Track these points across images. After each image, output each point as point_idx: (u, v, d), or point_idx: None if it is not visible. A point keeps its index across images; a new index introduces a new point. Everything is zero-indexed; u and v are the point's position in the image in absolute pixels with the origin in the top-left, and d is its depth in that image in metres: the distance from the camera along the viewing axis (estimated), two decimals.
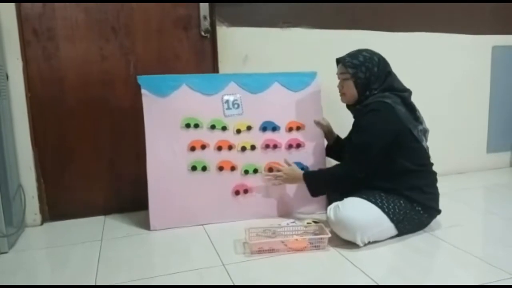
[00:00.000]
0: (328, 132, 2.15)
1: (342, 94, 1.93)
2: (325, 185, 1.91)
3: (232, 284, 1.43)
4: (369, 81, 1.82)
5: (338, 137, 2.18)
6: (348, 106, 1.98)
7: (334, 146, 2.16)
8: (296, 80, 2.14)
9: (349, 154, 1.84)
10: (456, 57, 2.79)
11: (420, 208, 1.77)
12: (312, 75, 2.16)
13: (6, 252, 1.76)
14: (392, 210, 1.71)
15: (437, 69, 2.73)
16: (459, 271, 1.49)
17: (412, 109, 1.83)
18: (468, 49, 2.81)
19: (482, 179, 2.80)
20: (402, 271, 1.50)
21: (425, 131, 1.86)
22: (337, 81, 2.05)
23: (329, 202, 1.88)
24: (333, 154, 2.19)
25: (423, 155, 1.84)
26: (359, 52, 1.87)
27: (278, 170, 1.99)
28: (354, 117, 1.92)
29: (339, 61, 1.93)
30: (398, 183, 1.77)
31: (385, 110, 1.75)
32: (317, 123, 2.12)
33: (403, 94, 1.83)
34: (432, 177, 1.87)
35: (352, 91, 1.86)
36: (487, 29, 2.84)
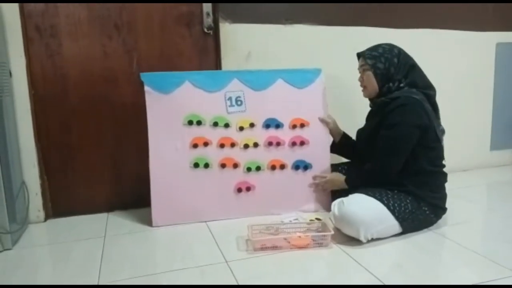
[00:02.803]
0: (333, 129, 2.14)
1: (364, 88, 1.93)
2: (364, 184, 1.85)
3: (235, 280, 1.43)
4: (388, 72, 1.83)
5: (344, 133, 2.17)
6: (371, 99, 1.97)
7: (341, 142, 2.16)
8: (300, 77, 2.12)
9: (384, 149, 1.80)
10: (459, 53, 2.78)
11: (426, 208, 1.77)
12: (317, 72, 2.14)
13: (10, 249, 1.77)
14: (397, 209, 1.71)
15: (441, 65, 2.72)
16: (462, 269, 1.49)
17: (435, 108, 1.85)
18: (472, 45, 2.80)
19: (486, 176, 2.79)
20: (405, 269, 1.50)
21: (443, 132, 1.86)
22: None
23: (333, 199, 1.88)
24: (339, 151, 2.19)
25: (441, 155, 1.86)
26: (378, 45, 1.89)
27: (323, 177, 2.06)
28: (376, 110, 1.91)
29: (359, 55, 1.93)
30: (410, 179, 1.78)
31: (416, 105, 1.76)
32: (322, 121, 2.11)
33: (429, 92, 1.84)
34: (443, 178, 1.87)
35: (373, 83, 1.86)
36: (491, 26, 2.82)
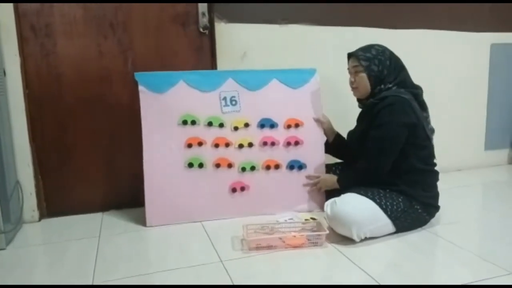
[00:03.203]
0: (328, 129, 2.15)
1: (355, 89, 1.92)
2: (356, 184, 1.85)
3: (230, 280, 1.43)
4: (382, 74, 1.83)
5: (338, 133, 2.18)
6: (360, 100, 1.97)
7: (334, 142, 2.16)
8: (295, 77, 2.12)
9: (373, 149, 1.80)
10: (454, 54, 2.79)
11: (418, 207, 1.78)
12: (312, 72, 2.14)
13: (3, 249, 1.76)
14: (390, 207, 1.71)
15: (436, 66, 2.74)
16: (455, 268, 1.49)
17: (423, 107, 1.85)
18: (466, 46, 2.81)
19: (480, 176, 2.80)
20: (399, 268, 1.51)
21: (432, 131, 1.87)
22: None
23: (328, 199, 1.88)
24: (333, 151, 2.19)
25: (432, 154, 1.86)
26: (370, 46, 1.88)
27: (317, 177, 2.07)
28: (366, 111, 1.91)
29: (351, 55, 1.92)
30: (401, 178, 1.78)
31: (404, 104, 1.76)
32: (317, 121, 2.12)
33: (416, 91, 1.84)
34: (434, 177, 1.88)
35: (365, 85, 1.86)
36: (485, 27, 2.84)
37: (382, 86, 1.84)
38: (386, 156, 1.78)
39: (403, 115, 1.75)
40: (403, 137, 1.76)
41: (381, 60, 1.83)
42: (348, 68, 1.94)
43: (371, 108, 1.84)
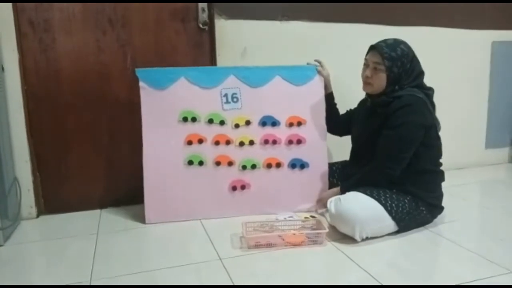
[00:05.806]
0: (325, 80, 2.09)
1: (368, 84, 1.83)
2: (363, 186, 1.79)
3: (228, 277, 1.42)
4: (400, 76, 1.77)
5: (331, 95, 2.12)
6: (369, 95, 1.91)
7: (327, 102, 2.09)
8: (299, 74, 2.08)
9: (387, 150, 1.74)
10: (455, 52, 2.78)
11: (424, 208, 1.77)
12: (316, 69, 2.10)
13: (1, 245, 1.75)
14: (394, 209, 1.70)
15: (436, 64, 2.71)
16: (456, 267, 1.49)
17: (434, 108, 1.83)
18: (467, 44, 2.80)
19: (480, 174, 2.80)
20: (399, 266, 1.50)
21: (440, 128, 1.85)
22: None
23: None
24: None
25: (440, 153, 1.85)
26: (397, 43, 1.79)
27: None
28: (375, 108, 1.85)
29: (373, 47, 1.82)
30: (410, 179, 1.76)
31: (420, 104, 1.73)
32: (319, 68, 2.06)
33: (428, 92, 1.81)
34: (441, 177, 1.86)
35: (382, 84, 1.79)
36: (486, 24, 2.82)
37: (396, 87, 1.78)
38: (401, 158, 1.73)
39: (421, 115, 1.71)
40: (419, 138, 1.72)
41: (404, 63, 1.76)
42: (366, 59, 1.85)
43: (384, 106, 1.78)
